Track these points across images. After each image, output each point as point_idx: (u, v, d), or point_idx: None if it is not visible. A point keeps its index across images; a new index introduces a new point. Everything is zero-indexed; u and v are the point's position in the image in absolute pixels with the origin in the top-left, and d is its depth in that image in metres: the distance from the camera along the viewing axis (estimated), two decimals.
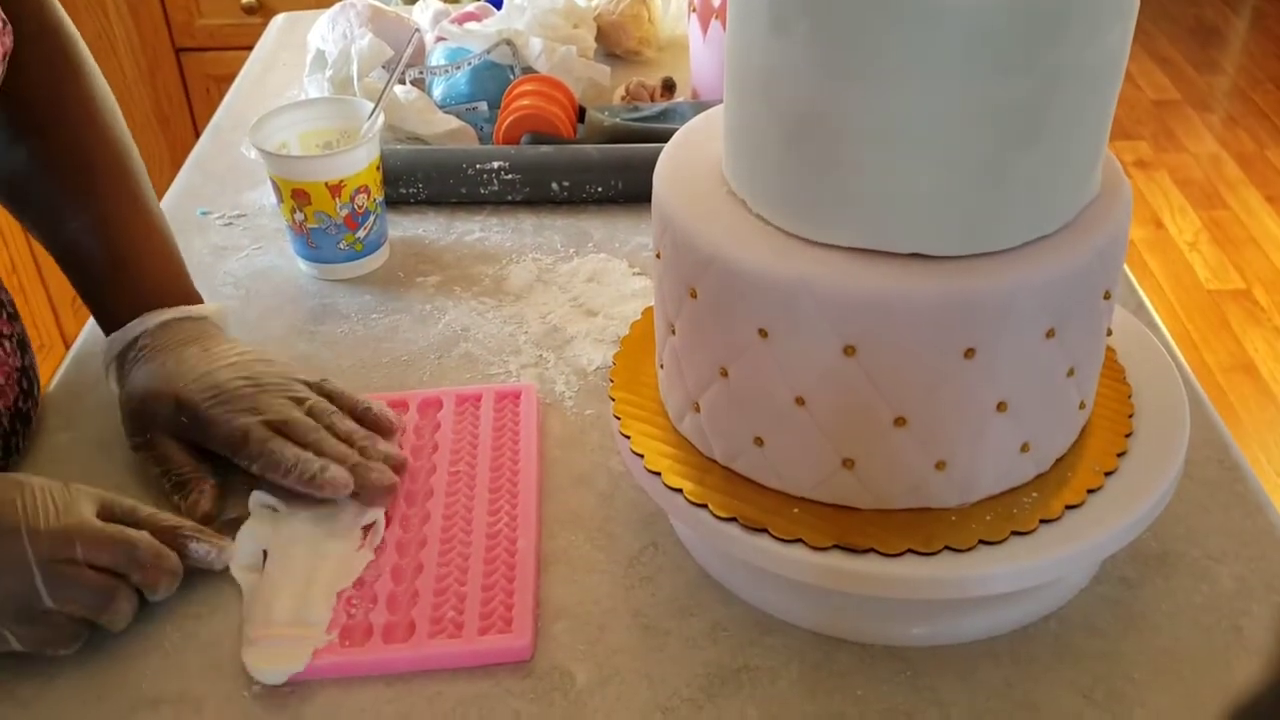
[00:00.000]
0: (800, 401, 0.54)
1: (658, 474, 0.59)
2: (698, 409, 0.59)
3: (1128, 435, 0.60)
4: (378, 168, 0.89)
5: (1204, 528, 0.66)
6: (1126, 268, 0.88)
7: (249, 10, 2.01)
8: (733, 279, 0.53)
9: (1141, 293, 0.86)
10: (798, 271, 0.51)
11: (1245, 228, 2.59)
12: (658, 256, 0.59)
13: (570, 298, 0.87)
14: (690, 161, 0.60)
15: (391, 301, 0.88)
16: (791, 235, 0.53)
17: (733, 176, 0.57)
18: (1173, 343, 0.81)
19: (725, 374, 0.56)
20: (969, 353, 0.51)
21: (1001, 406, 0.53)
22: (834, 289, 0.51)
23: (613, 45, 1.24)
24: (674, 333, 0.59)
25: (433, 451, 0.72)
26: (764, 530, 0.56)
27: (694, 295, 0.56)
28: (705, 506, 0.57)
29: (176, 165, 1.10)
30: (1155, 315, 0.84)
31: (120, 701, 0.58)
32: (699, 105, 1.08)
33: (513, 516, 0.66)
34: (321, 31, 1.12)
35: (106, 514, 0.62)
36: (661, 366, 0.63)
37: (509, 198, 0.98)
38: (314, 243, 0.88)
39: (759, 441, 0.56)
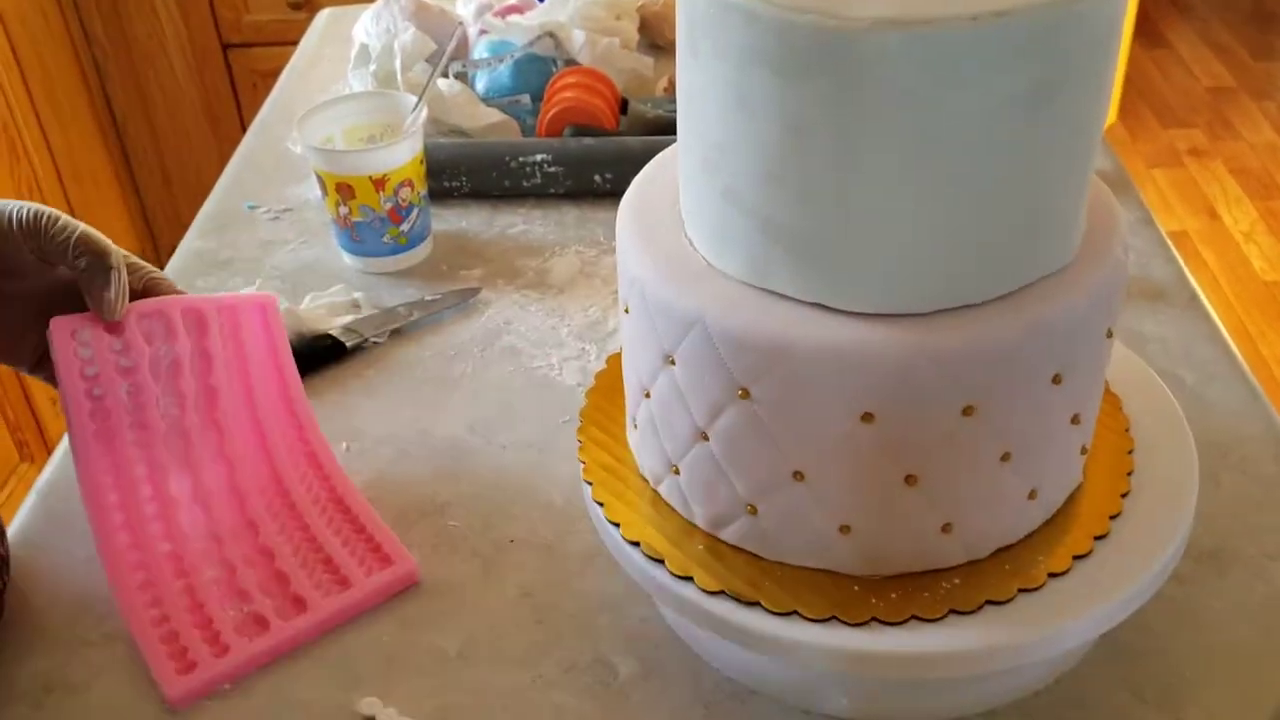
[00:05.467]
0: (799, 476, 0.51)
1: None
2: (677, 473, 0.56)
3: (1129, 474, 0.58)
4: (421, 161, 0.89)
5: (1260, 525, 0.64)
6: (1180, 259, 0.86)
7: (294, 6, 2.02)
8: (714, 343, 0.49)
9: (1195, 285, 0.84)
10: (785, 334, 0.48)
11: None
12: (625, 311, 0.55)
13: (613, 290, 0.87)
14: (652, 209, 0.56)
15: (435, 294, 0.88)
16: (768, 293, 0.50)
17: (696, 238, 0.53)
18: (1227, 336, 0.79)
19: (706, 438, 0.53)
20: (968, 410, 0.48)
21: (1006, 457, 0.50)
22: (833, 351, 0.47)
23: (655, 36, 1.23)
24: (648, 396, 0.55)
25: (213, 406, 0.66)
26: (757, 603, 0.52)
27: (671, 362, 0.52)
28: (691, 579, 0.54)
29: (224, 160, 1.11)
30: (1209, 308, 0.82)
31: None
32: None
33: (325, 477, 0.69)
34: (365, 26, 1.13)
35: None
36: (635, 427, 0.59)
37: (552, 190, 0.98)
38: (358, 236, 0.89)
39: (751, 509, 0.53)
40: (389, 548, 0.64)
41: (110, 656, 0.61)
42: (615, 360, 0.66)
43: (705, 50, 0.47)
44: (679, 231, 0.54)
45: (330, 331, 0.81)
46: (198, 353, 0.65)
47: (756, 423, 0.50)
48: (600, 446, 0.62)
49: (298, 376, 0.70)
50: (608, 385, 0.65)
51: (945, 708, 0.56)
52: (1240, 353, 0.77)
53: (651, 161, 0.60)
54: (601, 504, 0.58)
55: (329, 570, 0.64)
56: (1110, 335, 0.53)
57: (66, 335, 0.61)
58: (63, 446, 0.76)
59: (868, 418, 0.48)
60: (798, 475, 0.51)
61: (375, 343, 0.82)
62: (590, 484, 0.59)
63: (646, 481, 0.59)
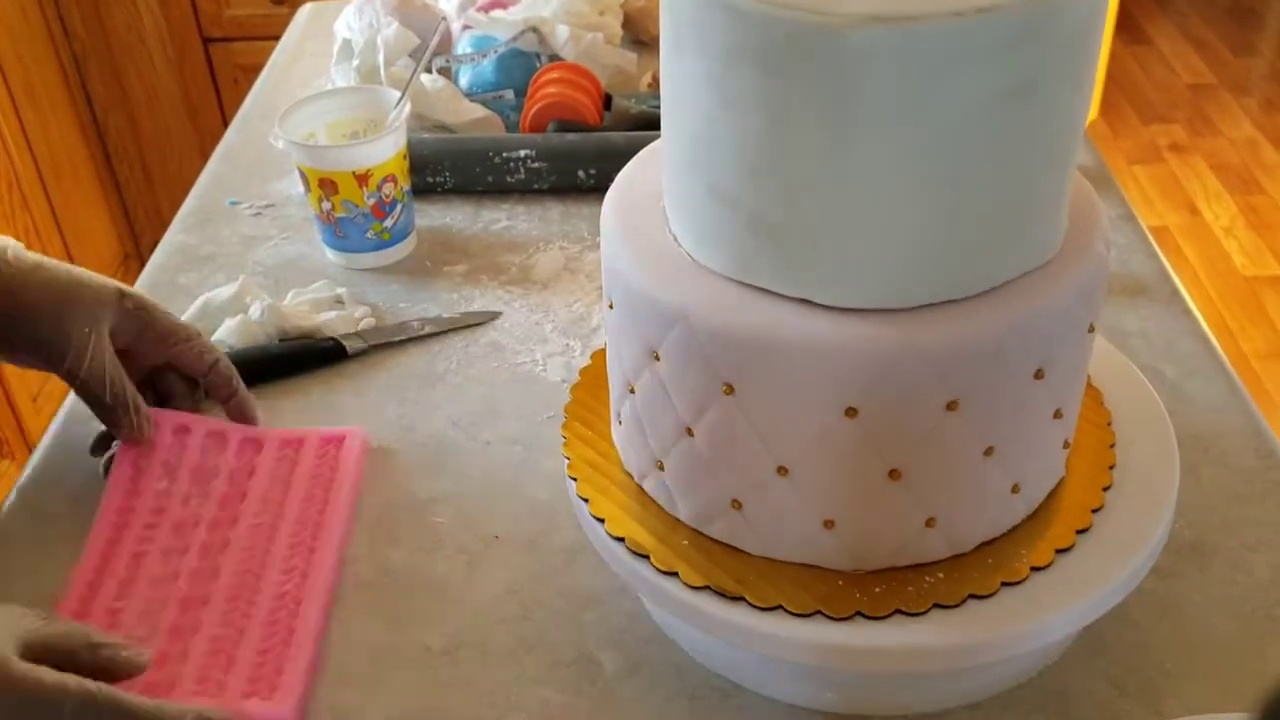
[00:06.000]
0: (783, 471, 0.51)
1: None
2: (662, 468, 0.56)
3: (1111, 468, 0.58)
4: (404, 157, 0.89)
5: (1240, 517, 0.65)
6: (1161, 254, 0.87)
7: (276, 1, 2.01)
8: (699, 339, 0.50)
9: (1176, 280, 0.85)
10: (772, 329, 0.48)
11: None
12: (610, 307, 0.55)
13: (597, 286, 0.87)
14: (637, 205, 0.56)
15: (419, 290, 0.88)
16: (753, 288, 0.50)
17: (681, 234, 0.53)
18: (1208, 331, 0.80)
19: (691, 434, 0.53)
20: (952, 405, 0.48)
21: (989, 452, 0.51)
22: (817, 347, 0.48)
23: (639, 32, 1.23)
24: (633, 392, 0.55)
25: (240, 501, 0.68)
26: (741, 599, 0.52)
27: (656, 358, 0.52)
28: (676, 575, 0.54)
29: (205, 155, 1.11)
30: (1190, 303, 0.82)
31: None
32: None
33: (305, 576, 0.63)
34: (348, 20, 1.12)
35: (32, 652, 0.52)
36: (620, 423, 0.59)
37: (536, 186, 0.98)
38: (342, 232, 0.88)
39: (736, 505, 0.53)
40: (287, 681, 0.57)
41: None
42: (599, 355, 0.66)
43: (689, 46, 0.47)
44: (663, 227, 0.54)
45: (335, 337, 0.81)
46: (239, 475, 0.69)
47: (741, 418, 0.50)
48: (585, 442, 0.61)
49: (343, 515, 0.67)
50: (592, 380, 0.65)
51: (928, 701, 0.57)
52: (1220, 347, 0.78)
53: (635, 157, 0.60)
54: (586, 500, 0.58)
55: (223, 670, 0.58)
56: (1092, 330, 0.53)
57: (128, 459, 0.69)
58: (44, 444, 0.75)
59: (851, 413, 0.48)
60: (782, 470, 0.51)
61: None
62: (574, 480, 0.59)
63: (631, 477, 0.59)
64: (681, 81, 0.49)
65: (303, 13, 1.39)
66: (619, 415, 0.58)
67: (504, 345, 0.82)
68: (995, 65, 0.44)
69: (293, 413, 0.77)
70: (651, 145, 0.60)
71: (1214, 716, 0.53)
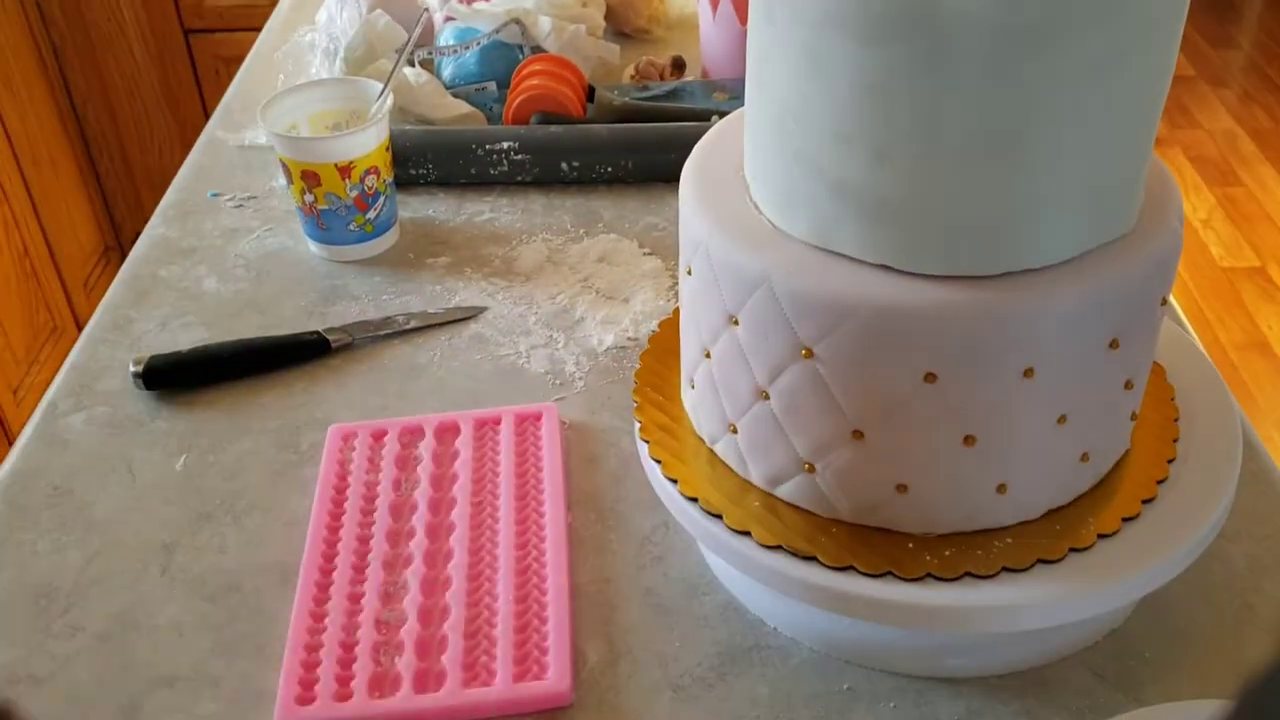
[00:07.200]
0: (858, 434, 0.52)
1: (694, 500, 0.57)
2: (734, 431, 0.57)
3: (1175, 441, 0.59)
4: (387, 149, 0.89)
5: None
6: None
7: None
8: (779, 304, 0.50)
9: None
10: (864, 297, 0.49)
11: (1260, 204, 2.57)
12: (688, 273, 0.56)
13: (580, 278, 0.87)
14: (715, 173, 0.57)
15: (402, 283, 0.88)
16: (834, 254, 0.51)
17: (762, 201, 0.54)
18: (1186, 321, 0.80)
19: (766, 397, 0.54)
20: (1028, 372, 0.49)
21: (1062, 420, 0.52)
22: (898, 312, 0.48)
23: (622, 24, 1.23)
24: (709, 356, 0.56)
25: (453, 482, 0.68)
26: (813, 558, 0.54)
27: (735, 322, 0.53)
28: (749, 534, 0.55)
29: (186, 147, 1.10)
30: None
31: (135, 680, 0.59)
32: (709, 84, 1.08)
33: (540, 551, 0.64)
34: (329, 12, 1.12)
35: None
36: (692, 386, 0.60)
37: (519, 178, 0.98)
38: (324, 224, 0.88)
39: (809, 468, 0.54)
40: (555, 660, 0.58)
41: (73, 648, 0.61)
42: (667, 324, 0.68)
43: (781, 16, 0.48)
44: (744, 195, 0.55)
45: (319, 330, 0.80)
46: (444, 459, 0.70)
47: (818, 382, 0.51)
48: (656, 407, 0.63)
49: (560, 488, 0.68)
50: (660, 348, 0.66)
51: (914, 665, 0.57)
52: (1198, 338, 0.79)
53: (713, 128, 0.61)
54: (659, 461, 0.59)
55: (487, 654, 0.58)
56: (1164, 303, 0.54)
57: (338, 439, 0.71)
58: (24, 438, 0.75)
59: (930, 378, 0.49)
60: (857, 434, 0.52)
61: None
62: (647, 442, 0.60)
63: (702, 441, 0.60)
64: (771, 49, 0.49)
65: (284, 4, 1.38)
66: (691, 380, 0.59)
67: (487, 337, 0.82)
68: (1091, 35, 0.44)
69: (274, 406, 0.76)
70: (729, 117, 0.61)
71: (1192, 704, 0.53)
